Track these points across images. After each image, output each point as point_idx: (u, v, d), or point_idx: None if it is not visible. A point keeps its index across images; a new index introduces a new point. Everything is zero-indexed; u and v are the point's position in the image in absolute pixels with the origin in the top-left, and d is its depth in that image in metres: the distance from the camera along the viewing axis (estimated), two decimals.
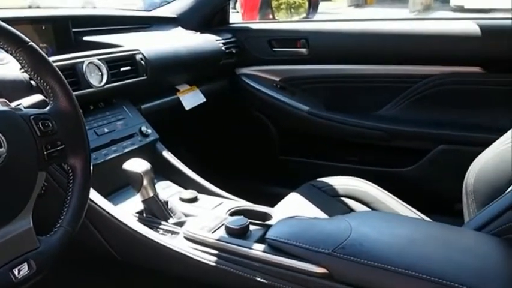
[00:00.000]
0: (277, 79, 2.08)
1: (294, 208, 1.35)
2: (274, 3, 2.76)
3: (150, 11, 2.10)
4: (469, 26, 1.74)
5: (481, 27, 1.72)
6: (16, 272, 0.75)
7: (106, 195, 1.19)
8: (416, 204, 1.40)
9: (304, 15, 2.48)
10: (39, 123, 0.81)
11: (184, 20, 2.03)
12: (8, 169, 0.75)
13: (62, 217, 0.85)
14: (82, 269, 1.28)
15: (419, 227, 1.05)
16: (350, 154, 2.04)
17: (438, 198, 1.65)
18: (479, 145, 1.30)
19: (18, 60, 0.83)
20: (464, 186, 1.22)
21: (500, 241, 0.93)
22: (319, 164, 2.04)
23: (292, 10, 2.75)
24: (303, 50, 2.01)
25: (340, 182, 1.48)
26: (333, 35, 1.98)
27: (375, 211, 1.34)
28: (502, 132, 1.24)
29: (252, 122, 2.15)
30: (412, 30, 1.86)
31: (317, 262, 0.92)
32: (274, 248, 0.98)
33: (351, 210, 1.39)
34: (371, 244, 0.91)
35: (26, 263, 0.77)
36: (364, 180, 1.47)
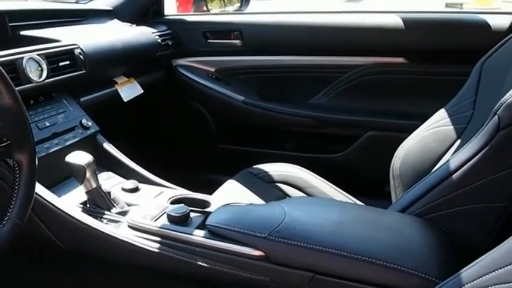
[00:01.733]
0: (213, 70, 2.13)
1: (231, 195, 1.40)
2: None
3: (86, 3, 2.09)
4: (393, 19, 1.84)
5: (404, 20, 1.82)
6: None
7: (49, 187, 1.20)
8: (347, 188, 1.48)
9: (237, 5, 2.53)
10: None
11: (120, 13, 2.04)
12: None
13: (10, 210, 0.88)
14: (29, 260, 1.29)
15: (348, 210, 1.14)
16: (284, 142, 2.12)
17: (368, 182, 1.73)
18: (404, 131, 1.41)
19: None
20: (391, 170, 1.32)
21: (419, 221, 1.02)
22: (255, 152, 2.11)
23: (226, 1, 2.79)
24: (237, 41, 2.07)
25: (276, 169, 1.54)
26: (266, 27, 2.04)
27: (308, 196, 1.42)
28: (424, 118, 1.35)
29: (189, 112, 2.19)
30: (341, 22, 1.95)
31: (254, 245, 0.98)
32: (214, 233, 1.04)
33: (286, 195, 1.46)
34: (303, 227, 0.99)
35: None
36: (298, 167, 1.54)
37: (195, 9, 2.34)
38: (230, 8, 2.58)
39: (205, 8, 2.35)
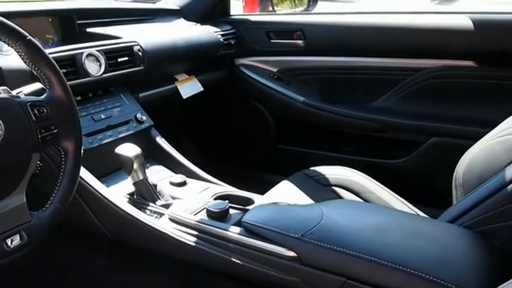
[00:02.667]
0: (275, 70, 2.13)
1: (283, 195, 1.39)
2: None
3: (155, 3, 2.16)
4: (463, 21, 1.76)
5: (474, 22, 1.74)
6: (9, 242, 0.84)
7: (100, 177, 1.26)
8: (407, 196, 1.43)
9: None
10: (35, 110, 0.89)
11: (186, 12, 2.08)
12: (5, 150, 0.83)
13: (54, 195, 0.93)
14: (76, 245, 1.36)
15: (390, 216, 1.11)
16: (344, 144, 2.08)
17: (429, 190, 1.68)
18: (470, 138, 1.33)
19: (18, 52, 0.91)
20: (453, 179, 1.26)
21: (468, 233, 0.98)
22: (314, 153, 2.09)
23: (296, 1, 2.79)
24: (300, 41, 2.06)
25: (332, 172, 1.52)
26: (329, 28, 2.02)
27: (352, 200, 1.39)
28: (492, 126, 1.27)
29: (249, 111, 2.20)
30: (406, 23, 1.89)
31: (287, 246, 0.98)
32: (249, 231, 1.05)
33: (340, 199, 1.43)
34: (339, 230, 0.97)
35: (18, 235, 0.85)
36: (356, 171, 1.51)
37: (261, 9, 2.36)
38: (301, 9, 2.57)
39: (270, 8, 2.36)
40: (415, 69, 1.90)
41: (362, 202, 1.35)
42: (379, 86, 2.00)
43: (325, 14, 2.15)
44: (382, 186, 1.47)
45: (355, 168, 1.53)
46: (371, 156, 1.98)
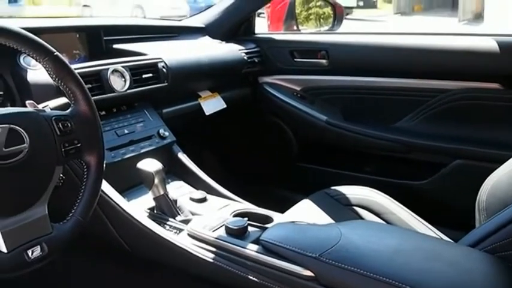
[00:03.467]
0: (298, 88, 2.14)
1: (303, 214, 1.38)
2: (303, 14, 2.82)
3: (180, 20, 2.20)
4: (489, 43, 1.74)
5: (500, 44, 1.72)
6: (30, 253, 0.85)
7: (121, 191, 1.28)
8: (428, 218, 1.41)
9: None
10: (60, 124, 0.92)
11: (211, 30, 2.11)
12: (29, 162, 0.85)
13: (75, 208, 0.95)
14: (96, 258, 1.38)
15: (409, 238, 1.09)
16: (366, 164, 2.07)
17: (452, 213, 1.65)
18: (494, 161, 1.30)
19: (45, 67, 0.94)
20: (477, 202, 1.23)
21: (489, 258, 0.96)
22: (335, 173, 2.08)
23: (321, 21, 2.80)
24: (323, 61, 2.06)
25: (354, 192, 1.50)
26: (353, 48, 2.02)
27: (371, 221, 1.38)
28: None
29: (271, 129, 2.21)
30: (432, 45, 1.87)
31: (304, 265, 0.98)
32: (267, 249, 1.04)
33: (361, 219, 1.42)
34: (357, 251, 0.96)
35: (39, 246, 0.87)
36: (378, 191, 1.49)
37: (286, 28, 2.38)
38: (325, 28, 2.59)
39: (295, 27, 2.38)
40: (440, 91, 1.88)
41: (381, 223, 1.34)
42: (402, 107, 1.98)
43: (349, 34, 2.15)
44: (404, 207, 1.44)
45: (376, 189, 1.51)
46: (393, 177, 1.96)
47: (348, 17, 10.98)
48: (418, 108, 1.94)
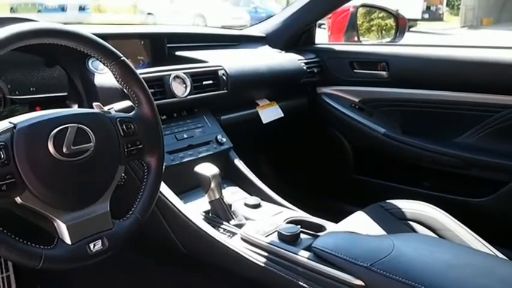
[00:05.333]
0: (356, 100, 2.12)
1: (356, 226, 1.37)
2: (365, 25, 2.79)
3: (241, 29, 2.24)
4: None
5: None
6: (92, 246, 0.90)
7: (178, 193, 1.32)
8: (488, 237, 1.35)
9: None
10: (124, 125, 0.97)
11: (271, 39, 2.13)
12: (94, 161, 0.90)
13: (135, 206, 1.00)
14: (154, 259, 1.42)
15: (462, 254, 1.08)
16: (423, 179, 2.03)
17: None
18: None
19: (112, 71, 1.00)
20: None
21: None
22: (391, 186, 2.05)
23: (383, 32, 2.78)
24: (383, 72, 2.04)
25: (410, 206, 1.47)
26: (414, 60, 1.99)
27: (425, 235, 1.35)
28: None
29: (327, 139, 2.21)
30: (496, 58, 1.82)
31: (355, 274, 0.98)
32: (319, 256, 1.05)
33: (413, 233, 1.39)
34: (409, 263, 0.96)
35: (100, 240, 0.91)
36: (434, 207, 1.45)
37: (346, 38, 2.37)
38: (387, 40, 2.56)
39: (356, 38, 2.36)
40: (504, 106, 1.82)
41: (435, 237, 1.31)
42: (463, 122, 1.93)
43: (410, 45, 2.12)
44: (461, 224, 1.40)
45: (433, 204, 1.47)
46: (451, 193, 1.91)
47: (411, 29, 10.81)
48: (481, 124, 1.89)
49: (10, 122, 0.85)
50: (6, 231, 0.81)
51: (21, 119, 0.87)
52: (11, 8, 11.00)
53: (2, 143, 0.81)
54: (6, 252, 0.81)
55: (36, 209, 0.85)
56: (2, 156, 0.80)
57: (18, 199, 0.83)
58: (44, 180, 0.84)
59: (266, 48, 2.10)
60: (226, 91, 1.62)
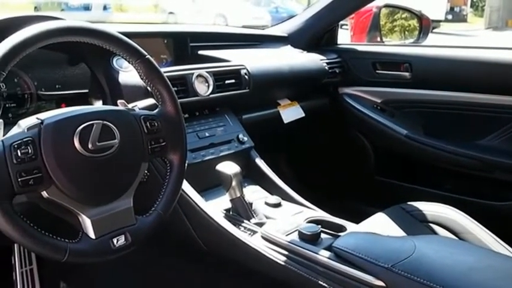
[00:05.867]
0: (379, 101, 2.12)
1: (377, 227, 1.36)
2: (388, 26, 2.78)
3: (263, 29, 2.25)
4: None
5: None
6: (115, 241, 0.91)
7: (200, 191, 1.33)
8: (510, 240, 1.33)
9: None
10: (147, 123, 0.98)
11: (293, 39, 2.13)
12: (118, 157, 0.92)
13: (157, 203, 1.00)
14: (175, 256, 1.44)
15: (484, 256, 1.07)
16: (445, 181, 2.02)
17: None
18: None
19: (136, 69, 1.01)
20: None
21: None
22: (412, 188, 2.04)
23: (406, 33, 2.76)
24: (406, 73, 2.03)
25: (431, 208, 1.45)
26: (437, 61, 1.97)
27: (445, 237, 1.34)
28: None
29: (348, 140, 2.20)
30: None
31: (376, 275, 0.98)
32: (339, 256, 1.06)
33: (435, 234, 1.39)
34: (430, 265, 0.96)
35: (123, 235, 0.92)
36: (456, 210, 1.43)
37: (369, 39, 2.35)
38: (410, 41, 2.54)
39: (378, 39, 2.35)
40: None
41: (457, 240, 1.30)
42: (487, 124, 1.91)
43: (434, 46, 2.10)
44: (484, 228, 1.38)
45: (455, 207, 1.46)
46: (473, 196, 1.89)
47: (435, 30, 10.68)
48: (505, 126, 1.87)
49: (37, 118, 0.87)
50: (33, 224, 0.82)
51: (48, 115, 0.88)
52: (35, 7, 11.19)
53: (30, 138, 0.82)
54: (33, 245, 0.82)
55: (62, 204, 0.87)
56: (30, 151, 0.81)
57: (44, 193, 0.84)
58: (70, 175, 0.86)
59: (288, 48, 2.10)
60: (248, 90, 1.63)
